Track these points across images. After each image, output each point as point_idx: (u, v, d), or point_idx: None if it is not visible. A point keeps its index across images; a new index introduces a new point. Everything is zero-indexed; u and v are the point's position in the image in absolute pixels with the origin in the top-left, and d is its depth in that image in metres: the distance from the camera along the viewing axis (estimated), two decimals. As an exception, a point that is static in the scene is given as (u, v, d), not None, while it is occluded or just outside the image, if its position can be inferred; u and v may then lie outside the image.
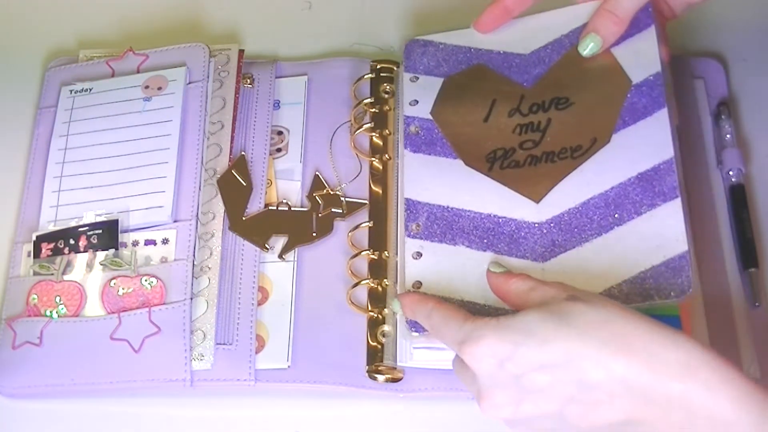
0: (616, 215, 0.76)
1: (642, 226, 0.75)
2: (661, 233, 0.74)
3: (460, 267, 0.77)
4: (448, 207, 0.80)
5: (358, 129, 0.87)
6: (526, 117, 0.82)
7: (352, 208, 0.84)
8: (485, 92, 0.84)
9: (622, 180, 0.77)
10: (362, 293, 0.81)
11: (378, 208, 0.84)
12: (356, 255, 0.82)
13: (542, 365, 0.65)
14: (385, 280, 0.81)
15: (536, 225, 0.78)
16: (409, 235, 0.79)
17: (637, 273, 0.74)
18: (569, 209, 0.77)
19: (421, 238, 0.79)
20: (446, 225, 0.79)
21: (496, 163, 0.81)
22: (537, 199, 0.79)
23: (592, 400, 0.64)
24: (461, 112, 0.84)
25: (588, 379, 0.64)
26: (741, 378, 0.62)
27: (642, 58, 0.81)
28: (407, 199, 0.81)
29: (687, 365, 0.62)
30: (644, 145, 0.77)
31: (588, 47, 0.82)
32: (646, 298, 0.73)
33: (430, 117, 0.84)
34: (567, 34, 0.85)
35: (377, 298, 0.80)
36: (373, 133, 0.87)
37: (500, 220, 0.78)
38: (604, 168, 0.78)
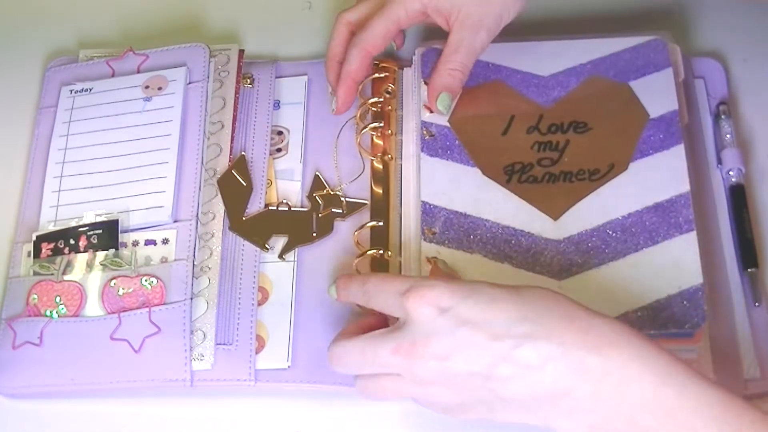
0: (632, 242, 0.77)
1: (657, 256, 0.77)
2: (676, 264, 0.76)
3: (477, 276, 0.77)
4: (465, 214, 0.80)
5: (364, 128, 0.87)
6: (545, 136, 0.84)
7: (352, 208, 0.84)
8: (504, 107, 0.84)
9: (638, 208, 0.79)
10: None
11: (380, 208, 0.84)
12: (362, 254, 0.81)
13: (485, 321, 0.66)
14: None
15: (554, 242, 0.78)
16: (424, 239, 0.79)
17: (652, 301, 0.75)
18: (586, 231, 0.79)
19: (437, 243, 0.79)
20: (463, 232, 0.79)
21: (514, 176, 0.81)
22: (555, 217, 0.79)
23: (524, 363, 0.65)
24: (479, 122, 0.85)
25: (526, 342, 0.65)
26: (667, 356, 0.64)
27: (659, 95, 0.84)
28: (424, 203, 0.81)
29: (619, 336, 0.65)
30: (661, 176, 0.79)
31: (443, 105, 0.84)
32: (661, 327, 0.74)
33: (448, 124, 0.85)
34: (585, 63, 0.86)
35: (378, 298, 0.80)
36: (374, 133, 0.87)
37: (518, 232, 0.79)
38: (622, 194, 0.80)
